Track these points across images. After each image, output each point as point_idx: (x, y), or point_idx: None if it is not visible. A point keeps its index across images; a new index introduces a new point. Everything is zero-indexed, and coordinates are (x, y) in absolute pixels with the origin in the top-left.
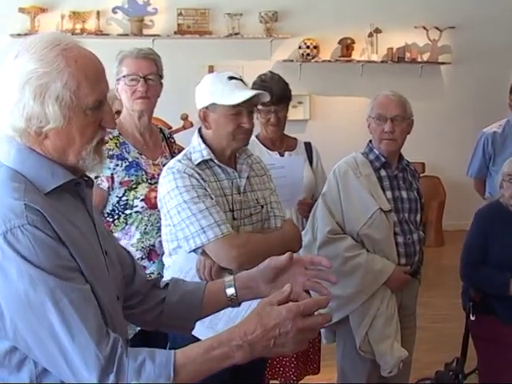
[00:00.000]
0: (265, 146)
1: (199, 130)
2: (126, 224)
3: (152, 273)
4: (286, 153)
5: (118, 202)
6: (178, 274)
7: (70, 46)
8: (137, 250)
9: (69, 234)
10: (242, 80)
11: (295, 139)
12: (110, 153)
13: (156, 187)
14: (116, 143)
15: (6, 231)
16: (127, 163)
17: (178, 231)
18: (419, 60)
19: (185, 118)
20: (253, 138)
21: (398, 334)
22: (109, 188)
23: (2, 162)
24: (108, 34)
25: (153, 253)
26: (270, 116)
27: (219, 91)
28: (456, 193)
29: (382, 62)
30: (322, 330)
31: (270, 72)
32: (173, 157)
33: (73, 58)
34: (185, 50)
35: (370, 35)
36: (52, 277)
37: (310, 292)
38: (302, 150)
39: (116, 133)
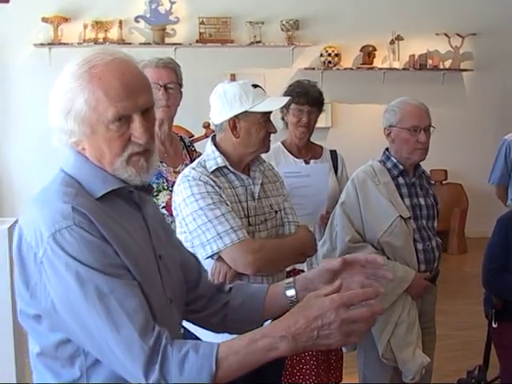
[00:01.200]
0: (291, 152)
1: (213, 138)
2: None
3: None
4: (312, 161)
5: None
6: None
7: (102, 62)
8: None
9: (116, 235)
10: (261, 87)
11: (321, 147)
12: None
13: None
14: None
15: (54, 232)
16: None
17: (194, 238)
18: (441, 67)
19: (207, 126)
20: (278, 143)
21: (419, 341)
22: None
23: (62, 167)
24: (130, 43)
25: None
26: (303, 116)
27: (250, 100)
28: (479, 200)
29: (403, 69)
30: None
31: (307, 80)
32: None
33: (97, 75)
34: (206, 58)
35: (392, 42)
36: (98, 273)
37: None
38: (328, 158)
39: None
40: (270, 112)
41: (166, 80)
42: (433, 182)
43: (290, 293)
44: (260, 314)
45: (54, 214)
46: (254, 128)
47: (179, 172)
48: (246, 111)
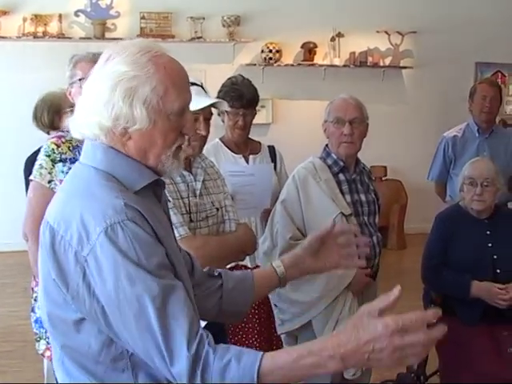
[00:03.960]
0: (229, 148)
1: None
2: None
3: None
4: (251, 156)
5: None
6: None
7: (160, 53)
8: None
9: (160, 232)
10: (202, 86)
11: (259, 143)
12: (63, 156)
13: None
14: (69, 147)
15: (106, 227)
16: None
17: None
18: (381, 64)
19: None
20: (217, 140)
21: None
22: None
23: (87, 163)
24: (70, 38)
25: None
26: (239, 119)
27: None
28: (418, 196)
29: (344, 66)
30: (283, 336)
31: (241, 75)
32: None
33: (162, 65)
34: None
35: (333, 39)
36: (149, 275)
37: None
38: (266, 154)
39: (69, 136)
40: (198, 112)
41: None
42: (373, 179)
43: (280, 270)
44: (251, 295)
45: (105, 209)
46: None
47: None
48: None
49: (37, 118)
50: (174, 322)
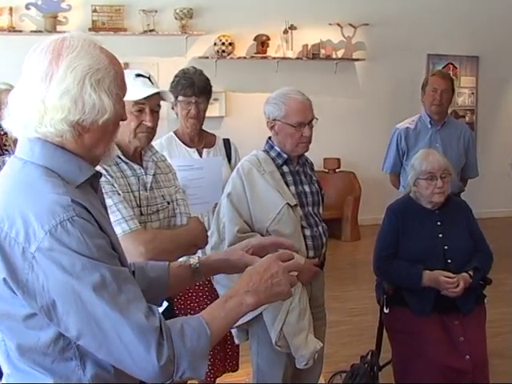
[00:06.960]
0: (183, 142)
1: None
2: None
3: None
4: (204, 150)
5: None
6: None
7: (99, 43)
8: None
9: (103, 224)
10: (149, 78)
11: (214, 136)
12: None
13: None
14: None
15: (56, 225)
16: None
17: None
18: (334, 57)
19: None
20: (171, 133)
21: (311, 327)
22: None
23: (24, 158)
24: (21, 31)
25: None
26: (191, 107)
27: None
28: (371, 187)
29: (297, 58)
30: (234, 330)
31: (193, 67)
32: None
33: (110, 55)
34: None
35: (285, 32)
36: (100, 263)
37: None
38: (221, 147)
39: None
40: (143, 103)
41: None
42: (326, 171)
43: (195, 266)
44: (163, 294)
45: (52, 206)
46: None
47: None
48: None
49: None
50: (132, 304)
